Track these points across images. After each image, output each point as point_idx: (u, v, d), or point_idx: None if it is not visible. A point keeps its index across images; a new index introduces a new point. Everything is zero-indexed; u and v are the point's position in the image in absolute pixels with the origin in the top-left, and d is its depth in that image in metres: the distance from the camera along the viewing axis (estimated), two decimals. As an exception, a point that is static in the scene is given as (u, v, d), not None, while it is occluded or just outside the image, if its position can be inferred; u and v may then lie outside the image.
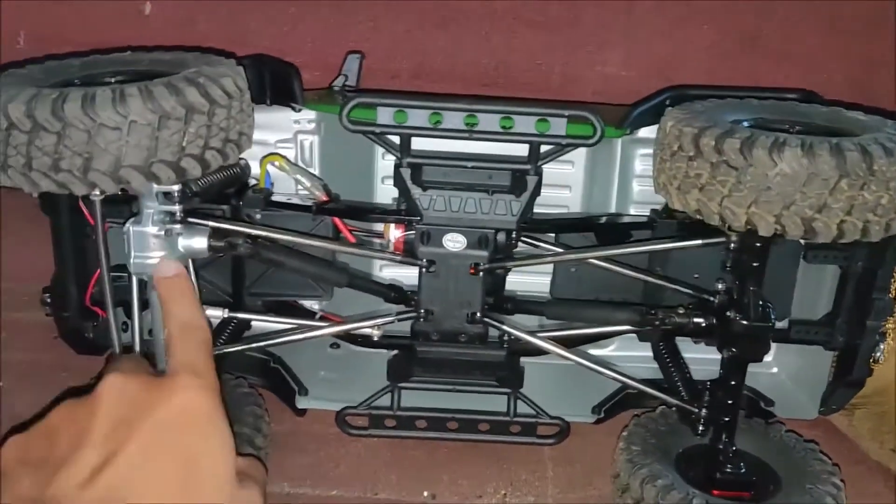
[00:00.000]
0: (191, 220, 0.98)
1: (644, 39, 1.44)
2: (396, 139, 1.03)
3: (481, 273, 1.06)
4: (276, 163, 1.13)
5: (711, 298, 1.03)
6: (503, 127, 1.00)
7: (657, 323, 1.04)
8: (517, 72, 1.47)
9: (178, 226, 0.95)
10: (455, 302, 1.08)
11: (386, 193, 1.28)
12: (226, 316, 1.07)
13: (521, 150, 1.04)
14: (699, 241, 0.99)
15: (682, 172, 0.87)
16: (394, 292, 1.15)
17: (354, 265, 1.24)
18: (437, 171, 1.05)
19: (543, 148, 1.03)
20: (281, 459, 1.12)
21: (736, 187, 0.82)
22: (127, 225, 0.94)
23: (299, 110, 1.17)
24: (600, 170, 1.26)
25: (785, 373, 1.29)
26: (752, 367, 1.02)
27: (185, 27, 1.38)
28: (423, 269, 1.06)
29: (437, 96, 1.19)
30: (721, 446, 1.03)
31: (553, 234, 1.15)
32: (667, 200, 0.93)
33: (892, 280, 1.07)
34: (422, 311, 1.09)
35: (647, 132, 1.18)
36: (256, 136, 1.07)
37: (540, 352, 1.13)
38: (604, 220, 1.19)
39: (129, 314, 1.03)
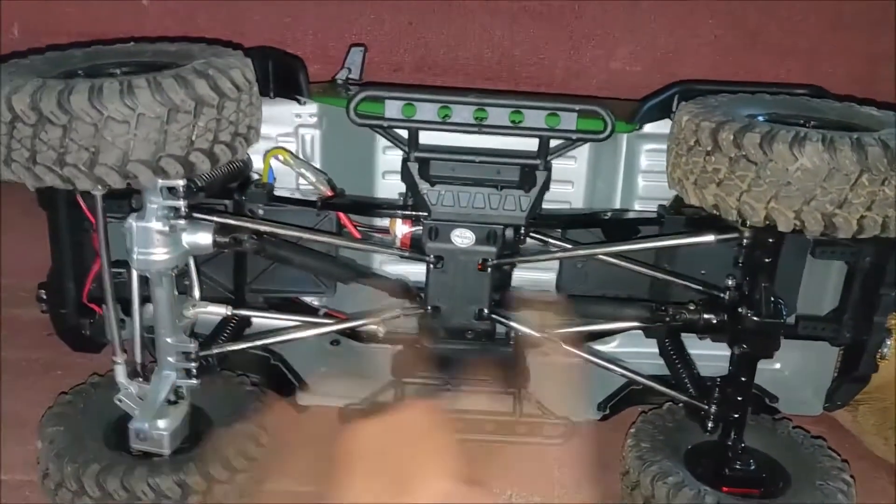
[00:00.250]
0: (195, 215, 0.96)
1: (648, 34, 1.43)
2: (404, 133, 1.01)
3: (489, 269, 1.05)
4: (281, 157, 1.10)
5: (721, 295, 1.03)
6: (513, 121, 0.99)
7: (668, 319, 1.03)
8: (520, 65, 1.46)
9: (182, 221, 0.93)
10: (463, 298, 1.06)
11: (387, 188, 1.26)
12: (229, 314, 1.05)
13: (531, 144, 1.02)
14: (712, 237, 0.98)
15: (699, 167, 0.86)
16: (399, 288, 1.14)
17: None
18: (445, 166, 1.03)
19: (553, 142, 1.02)
20: (283, 456, 1.09)
21: (755, 182, 0.81)
22: (129, 220, 0.92)
23: (304, 103, 1.15)
24: (605, 165, 1.25)
25: (789, 369, 1.29)
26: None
27: (184, 19, 1.35)
28: (431, 265, 1.05)
29: (444, 90, 1.17)
30: (730, 443, 1.03)
31: (559, 230, 1.14)
32: (682, 195, 0.92)
33: (897, 276, 1.07)
34: (429, 307, 1.07)
35: (653, 127, 1.17)
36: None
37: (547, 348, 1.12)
38: (611, 215, 1.18)
39: (126, 311, 1.01)
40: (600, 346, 1.28)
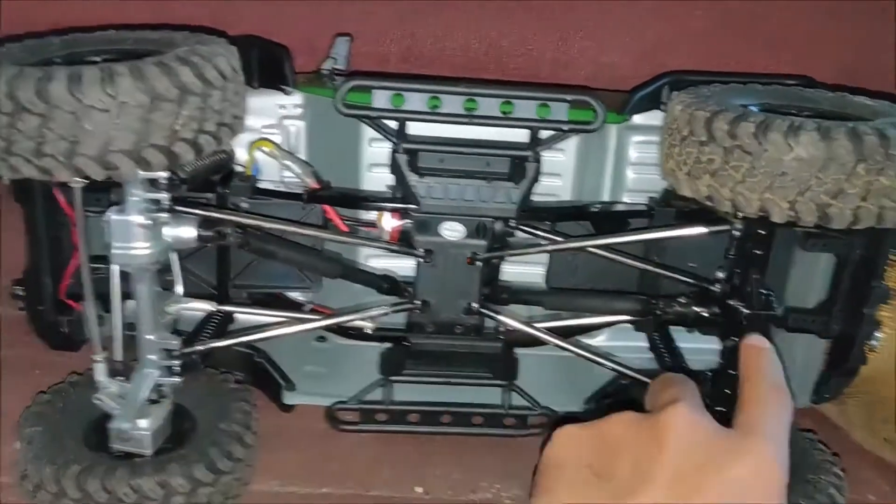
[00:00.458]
0: (178, 208, 0.93)
1: (637, 26, 1.42)
2: (393, 124, 0.99)
3: (479, 263, 1.03)
4: (266, 148, 1.08)
5: (712, 287, 1.02)
6: (503, 112, 0.98)
7: (658, 312, 1.02)
8: (508, 56, 1.44)
9: (164, 215, 0.90)
10: (452, 292, 1.05)
11: (373, 181, 1.24)
12: (213, 310, 1.02)
13: (521, 135, 1.01)
14: (704, 229, 0.97)
15: (692, 158, 0.85)
16: (386, 283, 1.12)
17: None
18: (434, 158, 1.01)
19: (543, 134, 1.00)
20: (269, 457, 1.08)
21: (750, 172, 0.80)
22: (108, 213, 0.89)
23: (290, 93, 1.12)
24: (593, 157, 1.24)
25: (776, 361, 1.28)
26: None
27: (166, 7, 1.32)
28: (420, 259, 1.03)
29: (433, 79, 1.15)
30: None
31: (549, 223, 1.12)
32: (675, 187, 0.91)
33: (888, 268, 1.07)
34: (417, 302, 1.05)
35: (642, 119, 1.17)
36: (243, 120, 1.03)
37: (535, 342, 1.11)
38: (599, 208, 1.17)
39: (106, 307, 0.99)
40: (588, 340, 1.27)
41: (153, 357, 0.98)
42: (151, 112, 0.76)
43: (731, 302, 0.98)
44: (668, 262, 1.11)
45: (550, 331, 1.09)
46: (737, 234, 0.96)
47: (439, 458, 1.12)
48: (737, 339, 0.98)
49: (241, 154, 1.11)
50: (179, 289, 1.01)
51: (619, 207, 1.18)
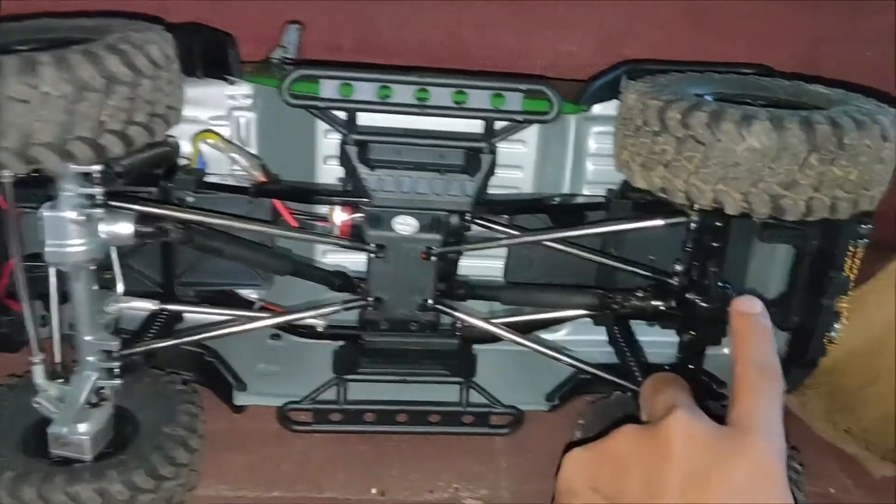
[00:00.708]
0: (114, 203, 0.89)
1: (595, 14, 1.40)
2: (342, 114, 0.96)
3: (433, 258, 1.00)
4: (210, 140, 1.04)
5: (670, 280, 1.00)
6: (456, 102, 0.95)
7: (615, 307, 1.00)
8: (466, 46, 1.41)
9: (99, 210, 0.86)
10: (406, 289, 1.02)
11: (329, 174, 1.20)
12: (156, 309, 0.99)
13: (476, 126, 0.98)
14: (660, 222, 0.95)
15: (646, 148, 0.83)
16: (339, 279, 1.09)
17: (296, 251, 1.17)
18: (386, 149, 0.98)
19: (498, 124, 0.98)
20: (218, 460, 1.04)
21: (703, 163, 0.79)
22: (41, 210, 0.85)
23: (234, 83, 1.08)
24: (553, 149, 1.21)
25: (737, 354, 1.28)
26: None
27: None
28: (372, 255, 1.00)
29: (385, 68, 1.12)
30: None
31: (506, 217, 1.10)
32: (628, 178, 0.89)
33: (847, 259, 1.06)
34: (370, 298, 1.02)
35: (602, 109, 1.14)
36: (188, 112, 0.99)
37: (493, 338, 1.09)
38: (558, 200, 1.14)
39: (48, 307, 0.94)
40: (550, 335, 1.25)
41: (92, 359, 0.95)
42: (76, 103, 0.72)
43: (689, 295, 0.96)
44: (627, 254, 1.09)
45: (509, 326, 1.06)
46: (693, 226, 0.94)
47: (396, 458, 1.09)
48: (694, 334, 0.97)
49: (186, 146, 1.07)
50: (120, 287, 0.97)
51: (578, 200, 1.15)
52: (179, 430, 0.95)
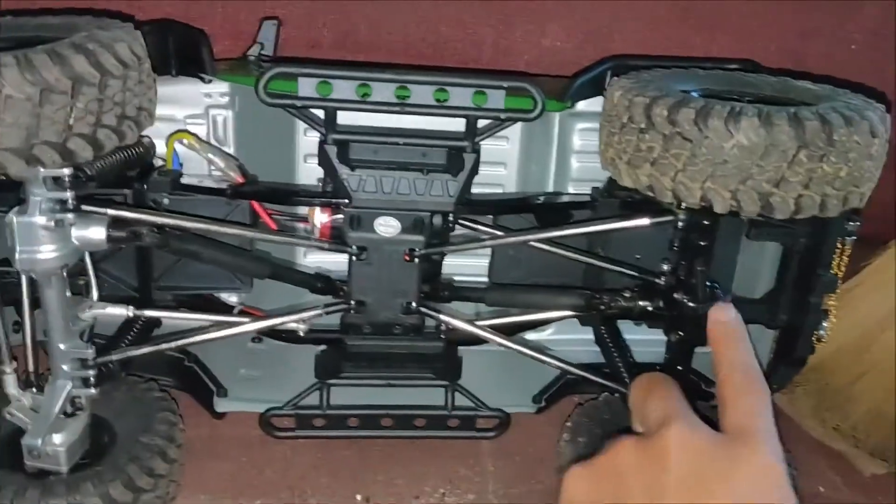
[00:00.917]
0: (85, 207, 0.86)
1: (580, 10, 1.38)
2: (320, 113, 0.93)
3: (416, 259, 0.98)
4: (185, 141, 1.01)
5: (657, 280, 0.99)
6: (438, 100, 0.92)
7: (602, 308, 0.98)
8: (447, 42, 1.38)
9: (70, 215, 0.84)
10: (389, 291, 1.00)
11: (309, 173, 1.18)
12: (131, 315, 0.96)
13: (458, 125, 0.96)
14: (647, 220, 0.93)
15: (632, 146, 0.81)
16: (320, 282, 1.06)
17: (276, 253, 1.14)
18: (366, 149, 0.96)
19: (481, 123, 0.95)
20: (199, 468, 1.02)
21: (691, 161, 0.77)
22: (10, 215, 0.82)
23: (209, 81, 1.05)
24: (537, 146, 1.19)
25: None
26: (691, 348, 0.98)
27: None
28: (354, 257, 0.98)
29: (364, 66, 1.10)
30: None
31: (490, 216, 1.08)
32: (614, 176, 0.87)
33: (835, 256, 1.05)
34: (352, 302, 1.00)
35: (587, 105, 1.12)
36: (163, 111, 0.97)
37: (479, 341, 1.07)
38: (543, 199, 1.12)
39: (20, 313, 0.92)
40: (535, 335, 1.24)
41: (66, 368, 0.92)
42: (41, 105, 0.70)
43: (677, 295, 0.94)
44: (612, 254, 1.07)
45: (494, 328, 1.04)
46: (680, 224, 0.93)
47: (381, 464, 1.08)
48: (682, 334, 0.95)
49: (161, 147, 1.04)
50: (94, 293, 0.94)
51: (563, 199, 1.13)
52: (157, 439, 0.93)
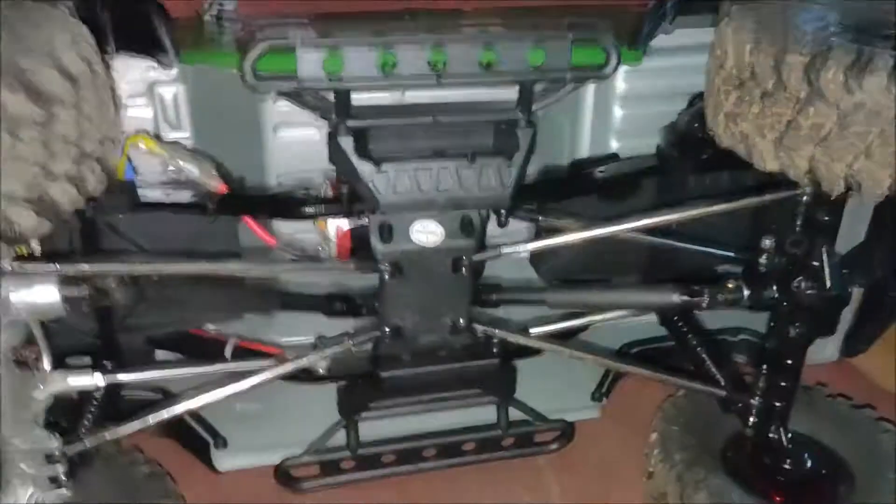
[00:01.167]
0: (22, 265, 0.61)
1: None
2: (329, 95, 0.69)
3: (464, 269, 0.76)
4: (143, 144, 0.75)
5: (762, 262, 0.79)
6: (484, 63, 0.68)
7: (705, 306, 0.79)
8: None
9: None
10: (432, 312, 0.79)
11: (281, 148, 0.93)
12: (101, 384, 0.72)
13: (507, 92, 0.73)
14: (767, 197, 0.74)
15: (783, 121, 0.60)
16: (339, 303, 0.84)
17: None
18: (391, 136, 0.73)
19: (538, 87, 0.72)
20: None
21: (884, 139, 0.57)
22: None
23: (168, 66, 0.77)
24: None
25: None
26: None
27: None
28: (386, 275, 0.75)
29: (374, 19, 0.84)
30: (776, 437, 0.84)
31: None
32: (743, 155, 0.67)
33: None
34: (385, 329, 0.78)
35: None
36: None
37: (532, 350, 0.88)
38: (604, 172, 0.89)
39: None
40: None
41: (25, 468, 0.69)
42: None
43: (797, 282, 0.76)
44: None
45: (553, 337, 0.86)
46: (805, 199, 0.73)
47: (426, 499, 0.90)
48: (800, 326, 0.78)
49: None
50: (47, 364, 0.70)
51: (625, 165, 0.90)
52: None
